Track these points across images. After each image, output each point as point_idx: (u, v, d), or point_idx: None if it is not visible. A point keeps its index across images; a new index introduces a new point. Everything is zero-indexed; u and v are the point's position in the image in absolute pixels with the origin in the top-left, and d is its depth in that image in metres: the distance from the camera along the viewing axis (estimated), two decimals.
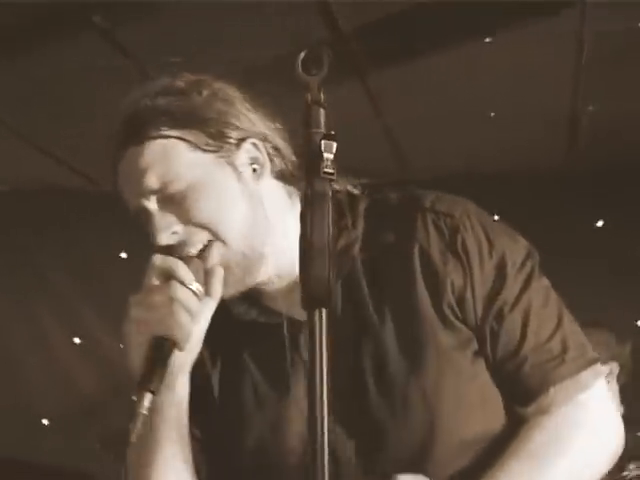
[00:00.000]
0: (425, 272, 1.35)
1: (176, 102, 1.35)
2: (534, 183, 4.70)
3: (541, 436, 1.34)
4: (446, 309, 1.34)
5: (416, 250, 1.36)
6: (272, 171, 1.40)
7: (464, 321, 1.35)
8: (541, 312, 1.37)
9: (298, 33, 3.00)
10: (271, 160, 1.40)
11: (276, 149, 1.40)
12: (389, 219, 1.40)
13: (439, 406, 1.32)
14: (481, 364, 1.36)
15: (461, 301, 1.35)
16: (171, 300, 1.26)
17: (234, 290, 1.36)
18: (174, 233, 1.33)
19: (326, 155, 1.07)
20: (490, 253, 1.37)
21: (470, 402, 1.35)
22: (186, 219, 1.32)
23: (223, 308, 1.37)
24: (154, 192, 1.33)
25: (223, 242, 1.33)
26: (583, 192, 4.70)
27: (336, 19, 3.26)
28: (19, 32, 3.40)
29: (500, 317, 1.35)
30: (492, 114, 4.19)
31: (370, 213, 1.42)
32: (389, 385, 1.34)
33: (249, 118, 1.39)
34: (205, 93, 1.37)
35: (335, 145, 1.08)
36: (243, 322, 1.42)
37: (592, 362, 1.38)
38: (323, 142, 1.08)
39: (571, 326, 1.39)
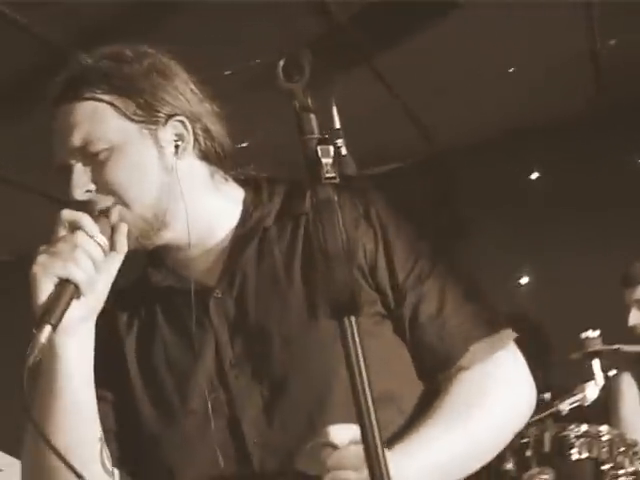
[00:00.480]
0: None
1: (116, 68, 1.41)
2: (566, 130, 4.62)
3: (461, 389, 1.40)
4: (355, 271, 1.39)
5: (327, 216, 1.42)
6: (197, 150, 1.46)
7: (374, 284, 1.42)
8: (455, 284, 1.46)
9: (294, 31, 2.98)
10: (196, 140, 1.45)
11: (206, 130, 1.45)
12: (305, 196, 1.47)
13: (333, 362, 1.33)
14: (385, 326, 1.42)
15: (373, 265, 1.42)
16: (74, 247, 1.33)
17: (132, 247, 1.42)
18: (88, 191, 1.40)
19: (324, 160, 1.05)
20: (404, 227, 1.46)
21: (370, 361, 1.35)
22: (100, 180, 1.40)
23: (142, 277, 1.51)
24: (77, 150, 1.40)
25: (128, 207, 1.40)
26: (616, 130, 4.60)
27: (329, 11, 3.23)
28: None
29: (420, 283, 1.42)
30: (511, 69, 4.11)
31: (289, 193, 1.50)
32: (290, 341, 1.40)
33: (186, 97, 1.44)
34: (146, 64, 1.42)
35: (332, 148, 1.06)
36: (158, 289, 1.49)
37: (505, 325, 1.46)
38: (319, 148, 1.06)
39: (482, 295, 1.48)
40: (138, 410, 1.46)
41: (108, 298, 1.40)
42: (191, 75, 1.47)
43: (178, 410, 1.43)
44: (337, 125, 2.98)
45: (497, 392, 1.42)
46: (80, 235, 1.34)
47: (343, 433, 1.26)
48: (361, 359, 1.01)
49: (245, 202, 1.50)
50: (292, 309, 1.42)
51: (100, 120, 1.40)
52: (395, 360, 1.43)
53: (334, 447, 1.26)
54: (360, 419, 0.99)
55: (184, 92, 1.44)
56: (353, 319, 1.01)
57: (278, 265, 1.45)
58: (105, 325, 1.43)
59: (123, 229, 1.39)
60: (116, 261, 1.39)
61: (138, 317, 1.52)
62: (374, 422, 0.99)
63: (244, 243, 1.46)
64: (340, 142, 3.14)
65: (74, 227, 1.35)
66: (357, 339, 1.01)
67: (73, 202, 1.40)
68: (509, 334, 1.46)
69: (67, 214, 1.36)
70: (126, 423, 1.47)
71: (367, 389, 1.00)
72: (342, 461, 1.25)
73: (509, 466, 2.86)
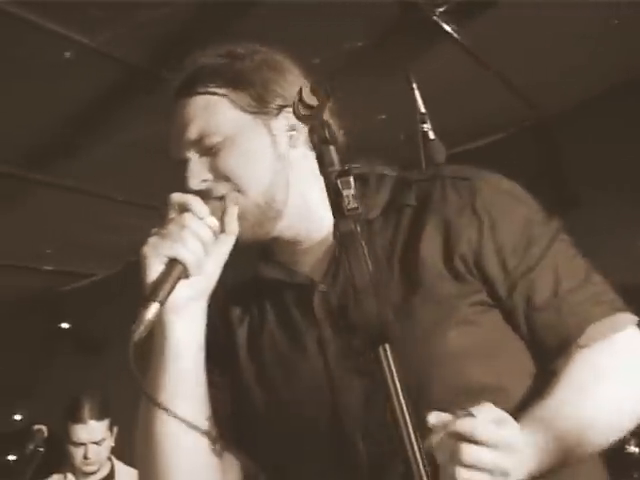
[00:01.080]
0: (438, 228, 1.41)
1: (229, 64, 1.48)
2: None
3: (580, 367, 1.36)
4: (457, 262, 1.39)
5: (431, 207, 1.43)
6: (309, 141, 1.47)
7: (479, 274, 1.40)
8: (571, 262, 1.43)
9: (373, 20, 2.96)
10: (312, 130, 1.47)
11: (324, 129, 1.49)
12: (411, 188, 1.49)
13: (432, 352, 1.34)
14: (490, 315, 1.40)
15: (478, 255, 1.40)
16: (182, 227, 1.38)
17: (244, 237, 1.46)
18: (204, 181, 1.45)
19: (345, 192, 1.06)
20: (513, 211, 1.43)
21: (469, 351, 1.36)
22: (216, 169, 1.45)
23: (254, 272, 1.56)
24: (193, 143, 1.46)
25: (243, 193, 1.44)
26: None
27: None
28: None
29: (532, 268, 1.40)
30: (616, 21, 3.92)
31: (395, 186, 1.51)
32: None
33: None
34: (257, 59, 1.49)
35: (352, 178, 1.07)
36: (268, 283, 1.54)
37: (624, 308, 1.42)
38: (339, 180, 1.06)
39: (600, 278, 1.44)
40: (250, 398, 1.50)
41: (222, 291, 1.47)
42: (304, 72, 1.53)
43: (286, 401, 1.46)
44: (422, 109, 2.93)
45: (618, 372, 1.39)
46: (188, 217, 1.39)
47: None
48: (398, 386, 1.01)
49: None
50: (392, 302, 1.40)
51: (215, 112, 1.45)
52: (500, 349, 1.40)
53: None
54: (402, 448, 1.00)
55: (296, 85, 1.45)
56: (387, 347, 1.02)
57: (380, 258, 1.45)
58: (219, 317, 1.52)
59: (233, 211, 1.43)
60: (227, 243, 1.44)
61: (249, 310, 1.56)
62: (416, 448, 1.00)
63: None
64: (426, 127, 3.05)
65: (183, 209, 1.40)
66: (393, 367, 1.02)
67: (191, 193, 1.45)
68: (630, 317, 1.42)
69: (177, 197, 1.41)
70: (239, 410, 1.51)
71: (407, 417, 1.01)
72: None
73: (632, 449, 2.79)
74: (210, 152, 1.45)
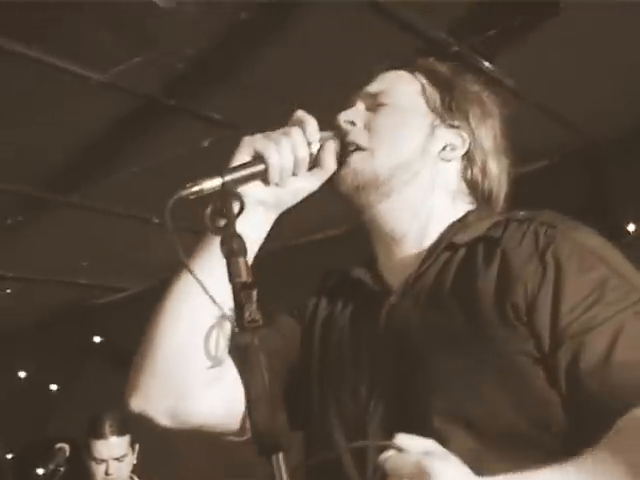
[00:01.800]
0: (503, 267, 1.39)
1: (439, 67, 1.62)
2: None
3: (613, 450, 1.21)
4: (509, 309, 1.34)
5: (500, 249, 1.42)
6: (464, 174, 1.57)
7: (529, 324, 1.33)
8: (636, 337, 1.29)
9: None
10: (470, 163, 1.57)
11: (484, 167, 1.57)
12: (505, 225, 1.47)
13: (467, 388, 1.33)
14: (530, 367, 1.32)
15: (532, 305, 1.33)
16: (284, 134, 1.43)
17: (346, 190, 1.51)
18: (351, 123, 1.54)
19: (247, 305, 1.10)
20: (589, 269, 1.34)
21: (503, 397, 1.31)
22: (368, 122, 1.53)
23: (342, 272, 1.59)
24: (368, 95, 1.58)
25: (372, 154, 1.50)
26: None
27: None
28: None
29: (587, 329, 1.30)
30: None
31: (498, 220, 1.50)
32: (419, 359, 1.39)
33: (482, 129, 1.57)
34: (468, 85, 1.59)
35: (255, 292, 1.11)
36: (353, 281, 1.56)
37: None
38: (242, 293, 1.11)
39: None
40: (311, 387, 1.53)
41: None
42: (501, 124, 1.61)
43: (338, 400, 1.47)
44: None
45: None
46: (295, 130, 1.45)
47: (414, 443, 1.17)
48: None
49: (457, 220, 1.54)
50: (448, 336, 1.39)
51: (403, 84, 1.58)
52: (533, 398, 1.33)
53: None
54: None
55: (483, 124, 1.58)
56: (281, 455, 1.06)
57: (449, 286, 1.44)
58: (311, 306, 1.61)
59: (332, 148, 1.49)
60: (318, 178, 1.49)
61: (332, 303, 1.60)
62: None
63: (433, 256, 1.49)
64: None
65: (296, 123, 1.47)
66: (285, 476, 1.06)
67: (336, 124, 1.53)
68: None
69: (299, 113, 1.49)
70: (298, 391, 1.53)
71: None
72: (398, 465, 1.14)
73: None
74: (374, 108, 1.55)
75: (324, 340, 1.56)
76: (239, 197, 1.22)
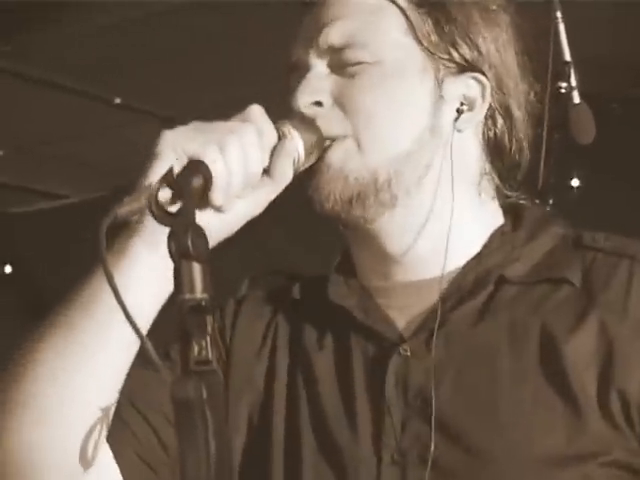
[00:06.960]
0: (603, 334, 1.01)
1: None
2: None
3: None
4: (614, 397, 0.98)
5: (601, 299, 1.02)
6: (483, 133, 1.10)
7: (632, 424, 0.98)
8: None
9: None
10: (491, 118, 1.09)
11: (508, 116, 1.09)
12: (579, 258, 1.07)
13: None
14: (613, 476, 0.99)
15: None
16: (230, 132, 0.94)
17: (331, 209, 1.05)
18: (317, 103, 1.05)
19: (197, 336, 0.74)
20: None
21: None
22: (342, 96, 1.05)
23: (320, 284, 1.11)
24: (329, 49, 1.06)
25: (358, 144, 1.04)
26: None
27: None
28: None
29: None
30: None
31: (558, 244, 1.10)
32: (491, 456, 1.01)
33: (503, 60, 1.09)
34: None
35: (211, 316, 0.74)
36: (334, 306, 1.10)
37: None
38: (192, 318, 0.74)
39: None
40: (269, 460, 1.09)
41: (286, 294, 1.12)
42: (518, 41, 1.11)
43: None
44: (566, 55, 1.77)
45: None
46: (247, 126, 0.96)
47: None
48: None
49: (495, 233, 1.11)
50: (510, 413, 1.01)
51: (378, 23, 1.06)
52: None
53: None
54: None
55: (502, 49, 1.09)
56: None
57: (505, 339, 1.03)
58: (257, 326, 1.14)
59: (286, 148, 0.99)
60: (267, 192, 0.99)
61: (300, 332, 1.13)
62: None
63: (468, 291, 1.06)
64: (564, 85, 1.79)
65: (244, 120, 0.98)
66: None
67: (297, 114, 1.04)
68: None
69: (255, 108, 0.98)
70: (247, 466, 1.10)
71: None
72: None
73: None
74: (346, 71, 1.06)
75: (292, 391, 1.10)
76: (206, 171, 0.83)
